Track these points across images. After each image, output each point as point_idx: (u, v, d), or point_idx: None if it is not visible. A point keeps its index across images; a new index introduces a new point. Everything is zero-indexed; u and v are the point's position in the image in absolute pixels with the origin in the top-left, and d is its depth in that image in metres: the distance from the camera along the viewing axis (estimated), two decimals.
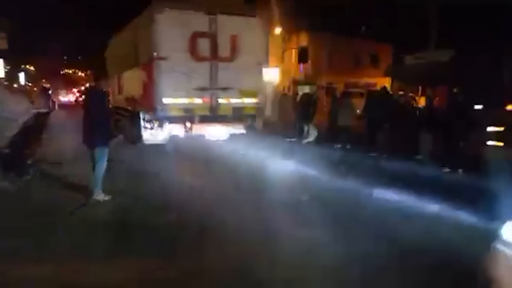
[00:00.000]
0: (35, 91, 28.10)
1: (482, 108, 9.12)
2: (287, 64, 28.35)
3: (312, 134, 11.78)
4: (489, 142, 8.38)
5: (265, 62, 8.63)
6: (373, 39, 26.96)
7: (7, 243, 3.96)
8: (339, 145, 10.70)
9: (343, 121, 10.82)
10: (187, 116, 8.19)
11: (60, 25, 36.01)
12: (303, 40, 26.94)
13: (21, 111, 14.48)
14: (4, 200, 5.44)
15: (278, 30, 25.74)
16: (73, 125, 14.27)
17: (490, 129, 8.56)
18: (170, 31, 7.63)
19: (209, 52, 8.01)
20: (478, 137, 7.98)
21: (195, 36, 7.85)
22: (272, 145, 10.43)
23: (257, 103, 8.67)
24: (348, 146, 10.50)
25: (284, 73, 27.81)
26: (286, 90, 22.05)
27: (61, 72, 59.02)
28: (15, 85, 32.73)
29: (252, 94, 8.55)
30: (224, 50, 8.10)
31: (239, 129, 8.84)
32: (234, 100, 8.42)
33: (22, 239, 4.06)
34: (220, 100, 8.28)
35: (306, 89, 22.89)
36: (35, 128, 12.15)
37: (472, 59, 14.38)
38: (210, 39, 7.95)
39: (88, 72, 49.22)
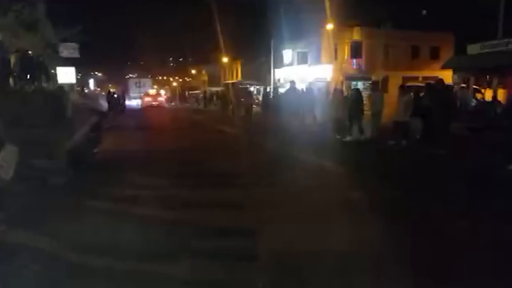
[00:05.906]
0: (103, 95, 30.53)
1: None
2: (340, 60, 27.76)
3: (367, 132, 11.38)
4: None
5: (149, 87, 47.27)
6: (433, 30, 25.38)
7: None
8: (393, 142, 10.29)
9: (399, 116, 10.38)
10: (138, 97, 42.12)
11: (124, 34, 44.69)
12: (356, 34, 26.16)
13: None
14: None
15: (330, 26, 25.24)
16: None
17: None
18: (132, 82, 50.59)
19: (140, 86, 47.37)
20: None
21: (136, 83, 49.57)
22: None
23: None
24: (403, 143, 10.05)
25: (337, 69, 27.28)
26: (338, 86, 21.58)
27: (126, 77, 63.39)
28: (86, 90, 35.84)
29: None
30: (143, 84, 47.86)
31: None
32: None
33: None
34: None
35: (359, 84, 22.25)
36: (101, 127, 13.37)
37: None
38: (139, 82, 49.47)
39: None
